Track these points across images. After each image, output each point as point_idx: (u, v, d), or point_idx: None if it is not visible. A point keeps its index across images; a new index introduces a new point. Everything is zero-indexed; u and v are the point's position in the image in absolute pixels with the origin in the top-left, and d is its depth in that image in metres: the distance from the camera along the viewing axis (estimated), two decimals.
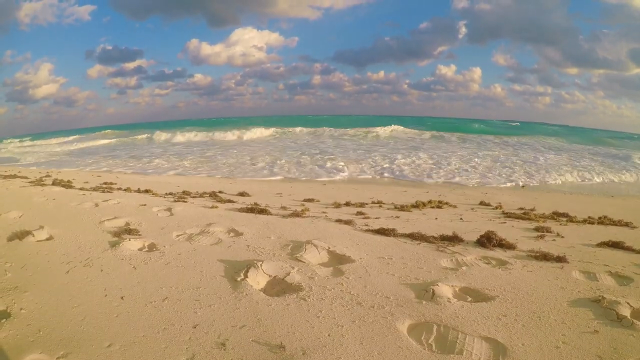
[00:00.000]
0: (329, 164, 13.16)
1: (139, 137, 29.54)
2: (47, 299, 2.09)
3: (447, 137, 27.76)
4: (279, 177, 11.05)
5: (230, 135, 28.25)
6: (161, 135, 28.57)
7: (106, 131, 38.71)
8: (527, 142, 25.40)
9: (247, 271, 2.45)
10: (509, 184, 10.40)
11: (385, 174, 11.64)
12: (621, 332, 1.82)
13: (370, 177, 11.35)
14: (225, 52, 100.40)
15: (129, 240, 3.11)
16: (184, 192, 6.58)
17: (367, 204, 6.08)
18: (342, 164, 13.28)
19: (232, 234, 3.48)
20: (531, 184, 10.47)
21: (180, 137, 27.68)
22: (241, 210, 4.67)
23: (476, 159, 14.88)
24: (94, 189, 6.44)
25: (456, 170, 12.28)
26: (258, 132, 29.79)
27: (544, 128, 44.65)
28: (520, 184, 10.45)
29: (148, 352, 1.65)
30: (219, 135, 28.42)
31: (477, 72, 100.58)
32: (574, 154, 18.86)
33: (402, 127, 32.32)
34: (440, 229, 3.89)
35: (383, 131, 30.14)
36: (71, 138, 33.89)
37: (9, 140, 37.46)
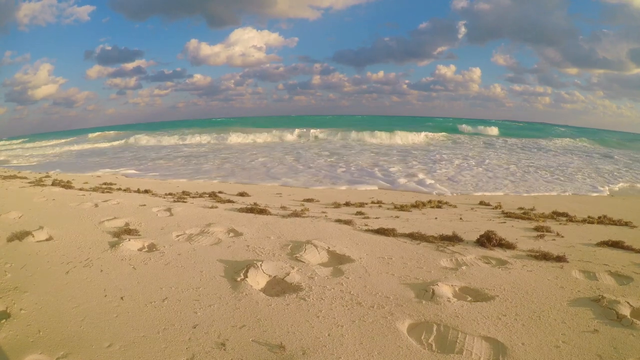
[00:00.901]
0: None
1: (127, 140, 26.79)
2: (47, 300, 2.09)
3: (491, 140, 25.31)
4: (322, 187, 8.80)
5: (237, 138, 25.47)
6: (167, 138, 26.58)
7: (93, 134, 36.32)
8: (563, 145, 24.22)
9: (247, 271, 2.45)
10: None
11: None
12: (621, 331, 1.83)
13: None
14: (225, 53, 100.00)
15: (129, 240, 3.10)
16: (183, 192, 6.58)
17: (366, 203, 6.08)
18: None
19: (231, 234, 3.48)
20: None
21: (185, 139, 25.67)
22: (241, 210, 4.67)
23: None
24: (94, 190, 6.43)
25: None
26: (279, 135, 26.26)
27: (553, 129, 43.26)
28: None
29: (148, 352, 1.65)
30: (231, 138, 25.60)
31: (476, 72, 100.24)
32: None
33: (430, 133, 27.77)
34: (440, 228, 3.90)
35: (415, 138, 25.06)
36: (62, 141, 31.53)
37: (1, 142, 36.34)
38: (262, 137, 25.96)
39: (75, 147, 24.77)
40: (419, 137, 25.57)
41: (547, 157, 17.00)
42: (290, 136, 26.75)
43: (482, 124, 38.71)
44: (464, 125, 35.92)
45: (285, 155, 15.67)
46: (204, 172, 11.54)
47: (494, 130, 33.41)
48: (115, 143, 26.39)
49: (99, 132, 37.70)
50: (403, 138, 24.79)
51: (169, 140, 25.99)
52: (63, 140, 31.96)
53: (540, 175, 11.22)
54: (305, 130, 28.22)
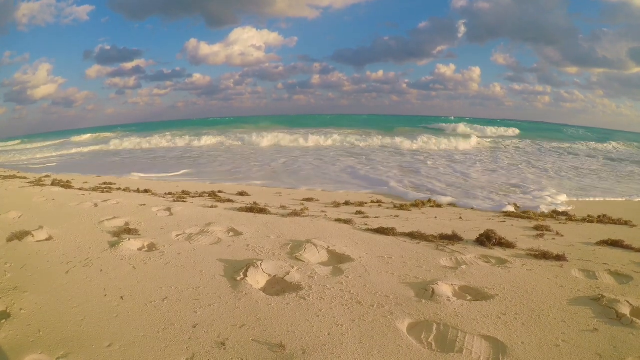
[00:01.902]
0: None
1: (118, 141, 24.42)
2: (47, 299, 2.09)
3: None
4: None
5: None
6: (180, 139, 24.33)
7: (81, 136, 34.61)
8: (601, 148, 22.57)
9: (246, 270, 2.45)
10: None
11: None
12: (621, 330, 1.83)
13: None
14: (224, 52, 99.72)
15: (129, 240, 3.10)
16: (183, 192, 6.58)
17: (366, 203, 6.08)
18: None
19: (231, 234, 3.48)
20: None
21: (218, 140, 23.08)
22: (241, 209, 4.67)
23: None
24: (93, 189, 6.43)
25: None
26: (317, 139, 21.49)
27: (564, 129, 41.41)
28: None
29: (148, 351, 1.65)
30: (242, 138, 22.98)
31: (476, 71, 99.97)
32: None
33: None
34: (439, 228, 3.90)
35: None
36: (47, 143, 29.75)
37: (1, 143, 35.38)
38: (286, 139, 22.51)
39: (86, 149, 23.27)
40: (471, 143, 21.52)
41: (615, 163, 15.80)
42: (322, 139, 22.16)
43: (488, 123, 36.57)
44: (462, 124, 34.43)
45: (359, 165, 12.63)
46: (249, 177, 10.24)
47: (515, 132, 31.11)
48: (110, 145, 24.46)
49: (99, 133, 36.86)
50: (449, 143, 20.62)
51: (179, 141, 24.29)
52: (62, 141, 31.46)
53: None
54: (337, 130, 24.67)
